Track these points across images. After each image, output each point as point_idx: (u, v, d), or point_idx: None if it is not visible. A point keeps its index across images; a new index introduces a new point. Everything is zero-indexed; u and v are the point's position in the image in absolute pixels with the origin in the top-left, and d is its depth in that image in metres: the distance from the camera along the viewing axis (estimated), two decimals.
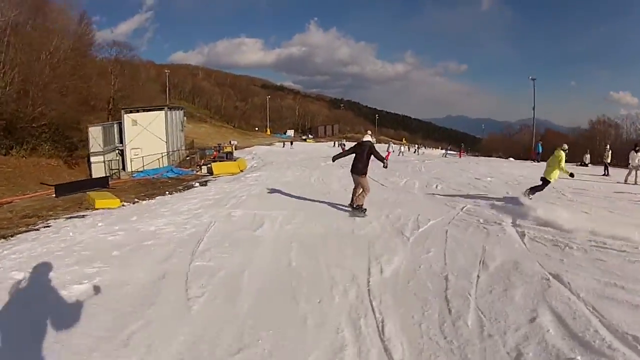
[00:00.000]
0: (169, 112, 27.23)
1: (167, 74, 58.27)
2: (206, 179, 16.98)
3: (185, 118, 33.47)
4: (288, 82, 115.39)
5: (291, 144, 43.74)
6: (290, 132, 77.95)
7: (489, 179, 10.78)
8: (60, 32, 26.05)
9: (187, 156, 31.17)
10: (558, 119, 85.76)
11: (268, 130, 78.61)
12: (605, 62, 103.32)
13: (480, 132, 78.80)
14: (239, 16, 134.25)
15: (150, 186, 16.40)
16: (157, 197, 11.02)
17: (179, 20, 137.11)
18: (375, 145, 6.72)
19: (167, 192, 12.06)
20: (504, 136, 60.71)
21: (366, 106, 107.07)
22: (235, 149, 42.75)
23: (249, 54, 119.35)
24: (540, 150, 20.86)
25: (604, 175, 13.28)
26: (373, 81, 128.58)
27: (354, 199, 6.38)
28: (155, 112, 26.39)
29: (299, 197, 8.07)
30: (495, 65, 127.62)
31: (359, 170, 6.31)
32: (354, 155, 6.44)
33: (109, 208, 9.36)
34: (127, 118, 25.73)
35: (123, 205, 9.73)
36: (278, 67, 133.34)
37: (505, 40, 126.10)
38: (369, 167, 6.42)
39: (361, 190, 6.31)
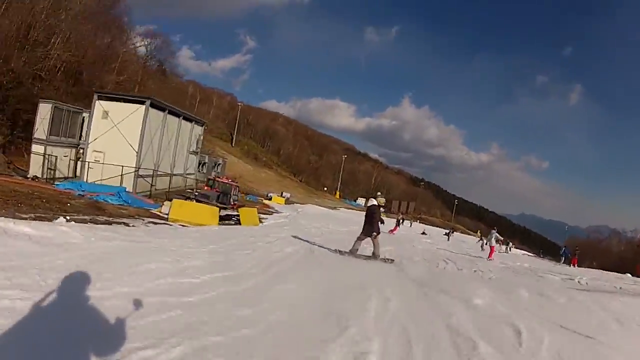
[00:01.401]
0: (154, 111, 17.01)
1: (239, 106, 52.56)
2: (136, 222, 9.80)
3: (201, 136, 23.33)
4: (373, 153, 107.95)
5: None
6: (361, 201, 66.53)
7: None
8: None
9: (188, 187, 20.66)
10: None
11: (337, 193, 67.98)
12: None
13: (554, 235, 67.36)
14: (337, 77, 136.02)
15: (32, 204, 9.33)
16: None
17: (277, 69, 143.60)
18: (380, 207, 7.86)
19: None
20: (591, 242, 50.28)
21: (445, 190, 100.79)
22: (286, 203, 33.35)
23: (340, 117, 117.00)
24: None
25: None
26: (456, 167, 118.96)
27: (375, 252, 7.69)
28: (134, 104, 16.46)
29: None
30: (575, 165, 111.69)
31: (366, 232, 7.64)
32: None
33: None
34: (98, 105, 16.38)
35: None
36: (365, 136, 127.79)
37: (588, 138, 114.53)
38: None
39: (374, 246, 7.65)
